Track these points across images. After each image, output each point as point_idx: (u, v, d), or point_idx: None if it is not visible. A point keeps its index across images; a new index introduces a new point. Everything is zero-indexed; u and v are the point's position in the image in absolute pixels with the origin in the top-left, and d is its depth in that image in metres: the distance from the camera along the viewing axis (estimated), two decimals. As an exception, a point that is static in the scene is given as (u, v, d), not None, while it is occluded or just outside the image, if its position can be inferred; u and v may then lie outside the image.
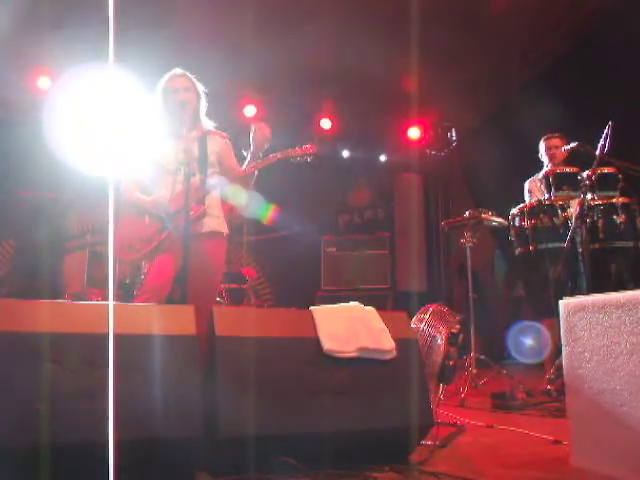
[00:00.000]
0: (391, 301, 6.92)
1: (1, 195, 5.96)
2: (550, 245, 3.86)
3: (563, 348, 2.25)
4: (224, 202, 3.23)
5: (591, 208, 3.65)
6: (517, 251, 4.10)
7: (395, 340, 2.27)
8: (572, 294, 3.30)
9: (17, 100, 6.11)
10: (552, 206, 3.90)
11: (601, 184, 3.70)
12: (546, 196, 3.91)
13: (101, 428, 1.62)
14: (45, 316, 1.87)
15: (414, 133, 7.60)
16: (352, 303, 2.43)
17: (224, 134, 3.25)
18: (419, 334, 2.95)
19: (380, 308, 2.44)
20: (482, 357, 4.29)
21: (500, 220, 4.45)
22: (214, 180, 3.08)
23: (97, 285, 5.63)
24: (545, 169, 4.52)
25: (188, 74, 3.17)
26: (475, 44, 5.57)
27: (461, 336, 2.97)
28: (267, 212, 6.31)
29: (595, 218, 3.66)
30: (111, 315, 1.85)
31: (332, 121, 7.33)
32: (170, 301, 2.90)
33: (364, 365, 2.19)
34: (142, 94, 3.22)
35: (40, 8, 4.78)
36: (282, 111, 6.83)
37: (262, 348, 2.08)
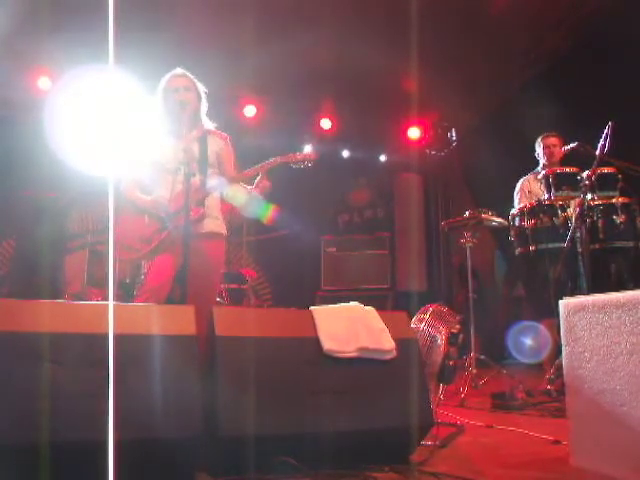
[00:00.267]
0: (391, 301, 6.92)
1: (2, 195, 5.96)
2: (550, 245, 3.86)
3: (563, 348, 2.25)
4: (224, 202, 3.23)
5: (591, 208, 3.65)
6: (517, 251, 4.11)
7: (395, 340, 2.28)
8: (572, 294, 3.30)
9: (18, 100, 6.11)
10: (552, 206, 3.90)
11: (601, 184, 3.70)
12: (546, 196, 3.91)
13: (101, 428, 1.62)
14: (45, 316, 1.87)
15: (414, 133, 7.59)
16: (352, 303, 2.43)
17: (224, 134, 3.25)
18: (419, 334, 2.96)
19: (380, 308, 2.44)
20: (482, 357, 4.29)
21: (500, 220, 4.45)
22: (214, 181, 3.07)
23: (97, 285, 5.63)
24: (540, 168, 4.53)
25: (188, 74, 3.16)
26: (475, 44, 5.57)
27: (461, 336, 2.97)
28: (267, 212, 6.29)
29: (595, 218, 3.66)
30: (111, 315, 1.85)
31: (332, 121, 7.33)
32: (170, 301, 2.89)
33: (364, 365, 2.20)
34: (142, 94, 3.23)
35: (41, 9, 4.78)
36: (282, 111, 6.84)
37: (262, 348, 2.08)
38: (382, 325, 2.31)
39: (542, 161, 4.56)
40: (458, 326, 3.02)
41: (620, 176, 3.73)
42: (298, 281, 7.04)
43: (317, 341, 2.17)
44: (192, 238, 2.77)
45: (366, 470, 1.98)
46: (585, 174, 3.65)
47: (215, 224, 3.10)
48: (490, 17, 5.36)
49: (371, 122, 7.13)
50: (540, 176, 4.12)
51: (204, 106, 3.19)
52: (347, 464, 1.98)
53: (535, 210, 3.95)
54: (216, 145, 3.17)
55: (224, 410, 1.93)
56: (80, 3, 4.67)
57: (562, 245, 3.62)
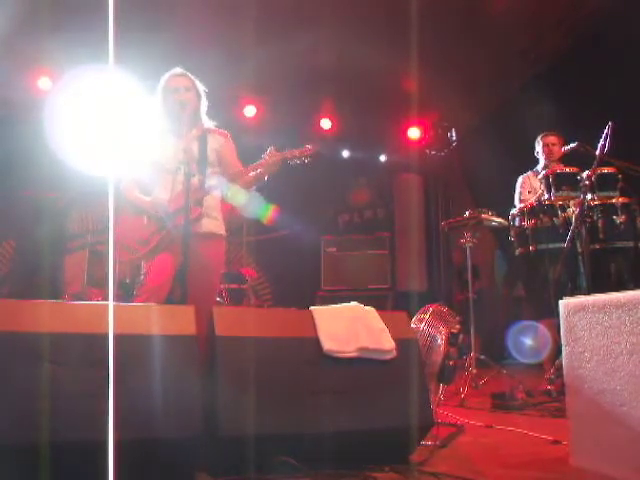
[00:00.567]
0: (391, 301, 6.92)
1: (2, 195, 5.96)
2: (550, 245, 3.86)
3: (563, 348, 2.25)
4: (224, 202, 3.23)
5: (591, 208, 3.65)
6: (517, 251, 4.11)
7: (395, 340, 2.27)
8: (572, 294, 3.30)
9: (18, 100, 6.11)
10: (552, 206, 3.90)
11: (601, 184, 3.70)
12: (546, 196, 3.91)
13: (101, 428, 1.62)
14: (45, 316, 1.87)
15: (414, 133, 7.60)
16: (352, 303, 2.43)
17: (225, 132, 3.24)
18: (419, 334, 2.95)
19: (380, 308, 2.44)
20: (482, 357, 4.29)
21: (500, 220, 4.45)
22: (214, 181, 3.07)
23: (97, 285, 5.64)
24: (540, 167, 4.53)
25: (188, 73, 3.16)
26: (475, 44, 5.57)
27: (461, 336, 2.97)
28: (267, 212, 6.31)
29: (595, 218, 3.66)
30: (111, 315, 1.85)
31: (332, 121, 7.34)
32: (170, 301, 2.89)
33: (364, 365, 2.19)
34: (142, 94, 3.23)
35: (41, 9, 4.78)
36: (282, 111, 6.83)
37: (262, 348, 2.08)
38: (382, 325, 2.31)
39: (542, 159, 4.56)
40: (458, 326, 3.02)
41: (620, 176, 3.74)
42: (298, 281, 7.04)
43: (317, 341, 2.17)
44: (191, 238, 2.77)
45: (366, 470, 1.98)
46: (585, 174, 3.65)
47: (214, 224, 3.10)
48: (490, 17, 5.36)
49: (371, 122, 7.13)
50: (540, 176, 4.12)
51: (204, 105, 3.19)
52: (347, 464, 1.98)
53: (535, 210, 3.95)
54: (216, 143, 3.17)
55: (224, 410, 1.93)
56: (80, 3, 4.67)
57: (562, 245, 3.62)
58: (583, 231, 3.52)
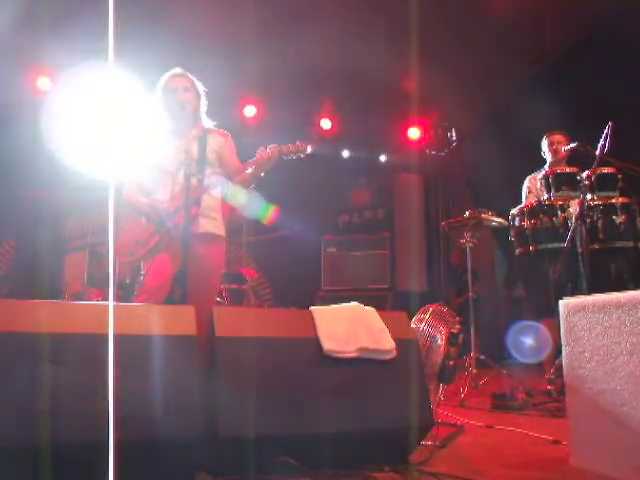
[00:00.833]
0: (391, 301, 6.92)
1: (1, 195, 5.96)
2: (550, 245, 3.86)
3: (563, 348, 2.25)
4: (224, 203, 3.23)
5: (591, 208, 3.64)
6: (517, 251, 4.10)
7: (395, 340, 2.27)
8: (572, 294, 3.30)
9: (17, 100, 6.11)
10: (552, 206, 3.89)
11: (601, 184, 3.70)
12: (546, 196, 3.91)
13: (101, 428, 1.62)
14: (45, 316, 1.87)
15: (414, 133, 7.60)
16: (352, 303, 2.43)
17: (225, 132, 3.24)
18: (419, 334, 2.95)
19: (380, 308, 2.44)
20: (482, 357, 4.29)
21: (500, 220, 4.45)
22: (213, 180, 3.07)
23: (97, 285, 5.64)
24: (547, 166, 4.53)
25: (188, 74, 3.16)
26: (475, 44, 5.57)
27: (461, 336, 2.97)
28: (267, 212, 6.32)
29: (595, 218, 3.66)
30: (111, 315, 1.85)
31: (332, 121, 7.34)
32: (170, 301, 2.89)
33: (364, 365, 2.19)
34: (142, 94, 3.22)
35: (39, 8, 4.78)
36: (282, 111, 6.83)
37: (262, 348, 2.08)
38: (382, 325, 2.31)
39: (548, 159, 4.55)
40: (458, 326, 3.02)
41: (620, 176, 3.73)
42: (298, 281, 7.04)
43: (317, 341, 2.17)
44: (191, 238, 2.77)
45: (366, 470, 1.98)
46: (585, 174, 3.65)
47: (212, 225, 3.09)
48: (490, 17, 5.36)
49: (371, 122, 7.14)
50: (540, 176, 4.12)
51: (204, 105, 3.19)
52: (347, 464, 1.98)
53: (535, 210, 3.95)
54: (216, 143, 3.16)
55: (224, 410, 1.93)
56: (80, 3, 4.67)
57: (562, 245, 3.62)
58: (583, 231, 3.52)
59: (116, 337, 1.76)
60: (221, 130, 3.24)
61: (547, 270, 3.98)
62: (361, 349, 2.20)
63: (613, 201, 3.69)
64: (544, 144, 4.59)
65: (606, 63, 4.85)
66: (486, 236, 5.99)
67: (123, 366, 1.79)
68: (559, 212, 3.86)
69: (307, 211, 7.05)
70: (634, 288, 2.12)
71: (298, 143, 3.01)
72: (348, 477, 1.94)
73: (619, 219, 3.64)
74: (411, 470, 2.06)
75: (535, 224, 3.91)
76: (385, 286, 7.06)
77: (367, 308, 2.39)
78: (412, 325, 2.95)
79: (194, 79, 3.16)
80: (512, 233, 4.16)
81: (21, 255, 6.37)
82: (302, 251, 6.95)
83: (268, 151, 2.98)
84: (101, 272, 5.72)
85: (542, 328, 4.22)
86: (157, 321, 2.01)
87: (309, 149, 3.01)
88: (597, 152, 3.51)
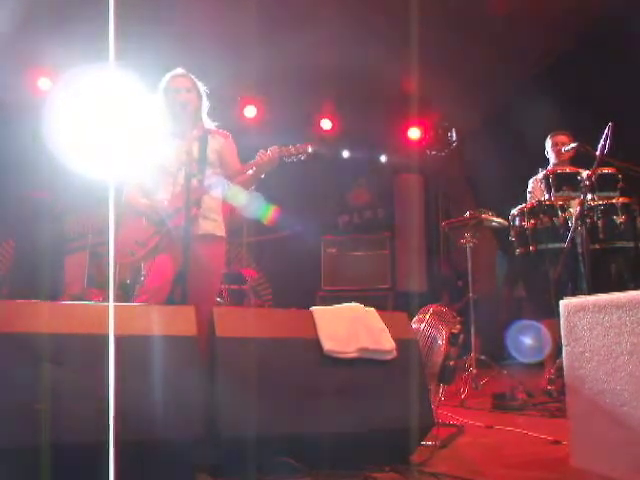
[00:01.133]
0: (391, 301, 6.92)
1: (1, 195, 5.96)
2: (550, 245, 3.86)
3: (563, 348, 2.25)
4: (225, 203, 3.23)
5: (591, 208, 3.64)
6: (517, 251, 4.10)
7: (395, 340, 2.27)
8: (572, 294, 3.30)
9: (17, 100, 6.11)
10: (552, 206, 3.89)
11: (601, 184, 3.70)
12: (546, 196, 3.91)
13: (101, 428, 1.62)
14: (45, 316, 1.87)
15: (414, 133, 7.59)
16: (352, 303, 2.43)
17: (226, 132, 3.24)
18: (419, 334, 2.95)
19: (380, 308, 2.44)
20: (482, 357, 4.29)
21: (500, 220, 4.45)
22: (214, 181, 3.07)
23: (97, 286, 5.64)
24: (550, 166, 4.52)
25: (189, 74, 3.16)
26: (475, 44, 5.57)
27: (461, 336, 2.97)
28: (267, 212, 6.32)
29: (595, 218, 3.66)
30: (111, 316, 1.85)
31: (332, 121, 7.34)
32: (170, 301, 2.89)
33: (364, 365, 2.19)
34: (143, 94, 3.22)
35: (40, 8, 4.78)
36: (282, 111, 6.83)
37: (262, 349, 2.08)
38: (382, 325, 2.31)
39: (552, 159, 4.55)
40: (458, 326, 3.02)
41: (620, 176, 3.73)
42: (298, 281, 7.04)
43: (317, 341, 2.17)
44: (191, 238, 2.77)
45: (366, 470, 1.98)
46: (585, 174, 3.65)
47: (213, 225, 3.09)
48: (490, 17, 5.36)
49: (371, 122, 7.13)
50: (540, 176, 4.12)
51: (205, 106, 3.19)
52: (347, 464, 1.98)
53: (535, 210, 3.94)
54: (217, 144, 3.16)
55: (224, 411, 1.93)
56: (80, 3, 4.67)
57: (562, 245, 3.62)
58: (583, 231, 3.52)
59: (116, 337, 1.76)
60: (222, 130, 3.23)
61: (547, 270, 3.98)
62: (361, 349, 2.20)
63: (613, 201, 3.69)
64: (548, 144, 4.59)
65: (606, 63, 4.84)
66: (486, 236, 5.99)
67: (123, 366, 1.79)
68: (559, 212, 3.86)
69: (307, 211, 7.05)
70: (634, 288, 2.12)
71: (298, 145, 3.01)
72: (348, 477, 1.94)
73: (619, 219, 3.64)
74: (411, 470, 2.06)
75: (535, 224, 3.91)
76: (385, 286, 7.05)
77: (367, 308, 2.39)
78: (412, 325, 2.95)
79: (196, 79, 3.16)
80: (512, 233, 4.16)
81: (21, 256, 6.36)
82: (302, 251, 6.95)
83: (269, 153, 2.97)
84: (101, 273, 5.72)
85: (542, 328, 4.22)
86: (157, 321, 2.01)
87: (309, 149, 3.00)
88: (597, 152, 3.51)
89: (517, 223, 4.08)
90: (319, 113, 7.27)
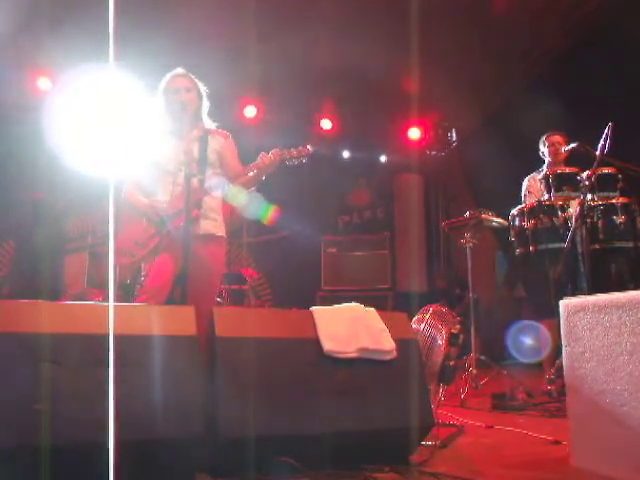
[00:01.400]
0: (391, 301, 6.92)
1: (1, 196, 5.96)
2: (550, 245, 3.86)
3: (563, 348, 2.25)
4: (224, 203, 3.23)
5: (591, 208, 3.65)
6: (517, 251, 4.10)
7: (395, 340, 2.27)
8: (572, 294, 3.30)
9: (17, 100, 6.11)
10: (552, 206, 3.89)
11: (601, 184, 3.70)
12: (546, 196, 3.91)
13: (101, 428, 1.62)
14: (45, 316, 1.87)
15: (414, 133, 7.60)
16: (352, 303, 2.43)
17: (225, 132, 3.24)
18: (419, 334, 2.95)
19: (380, 308, 2.44)
20: (482, 357, 4.29)
21: (500, 220, 4.45)
22: (214, 181, 3.07)
23: (97, 286, 5.63)
24: (545, 166, 4.53)
25: (189, 74, 3.16)
26: (476, 44, 5.57)
27: (461, 336, 2.97)
28: (267, 213, 6.32)
29: (595, 218, 3.66)
30: (111, 315, 1.85)
31: (332, 121, 7.34)
32: (170, 302, 2.89)
33: (364, 365, 2.19)
34: (142, 94, 3.22)
35: (40, 8, 4.78)
36: (282, 111, 6.84)
37: (262, 349, 2.08)
38: (382, 325, 2.31)
39: (547, 160, 4.55)
40: (458, 326, 3.02)
41: (620, 176, 3.73)
42: (298, 281, 7.04)
43: (317, 342, 2.17)
44: (191, 239, 2.77)
45: (366, 470, 1.98)
46: (585, 174, 3.65)
47: (213, 225, 3.09)
48: (491, 17, 5.36)
49: (371, 122, 7.14)
50: (540, 176, 4.12)
51: (205, 106, 3.19)
52: (347, 464, 1.98)
53: (535, 210, 3.95)
54: (217, 144, 3.16)
55: (224, 411, 1.93)
56: (80, 3, 4.67)
57: (562, 245, 3.62)
58: (583, 231, 3.52)
59: (116, 337, 1.76)
60: (222, 131, 3.24)
61: (547, 270, 3.98)
62: (361, 349, 2.20)
63: (613, 201, 3.69)
64: (543, 145, 4.59)
65: (606, 63, 4.84)
66: (486, 236, 5.99)
67: (123, 367, 1.79)
68: (559, 212, 3.86)
69: (307, 211, 7.06)
70: (634, 288, 2.12)
71: (300, 148, 3.00)
72: (348, 477, 1.94)
73: (619, 219, 3.64)
74: (411, 470, 2.06)
75: (535, 224, 3.91)
76: (385, 286, 7.06)
77: (367, 308, 2.39)
78: (412, 325, 2.95)
79: (196, 79, 3.16)
80: (512, 233, 4.16)
81: (21, 256, 6.36)
82: (302, 251, 6.95)
83: (270, 156, 2.97)
84: (101, 273, 5.72)
85: (542, 328, 4.22)
86: (157, 321, 2.01)
87: (310, 152, 3.00)
88: (597, 152, 3.51)
89: (517, 223, 4.09)
90: (319, 113, 7.27)
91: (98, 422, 1.66)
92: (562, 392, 3.18)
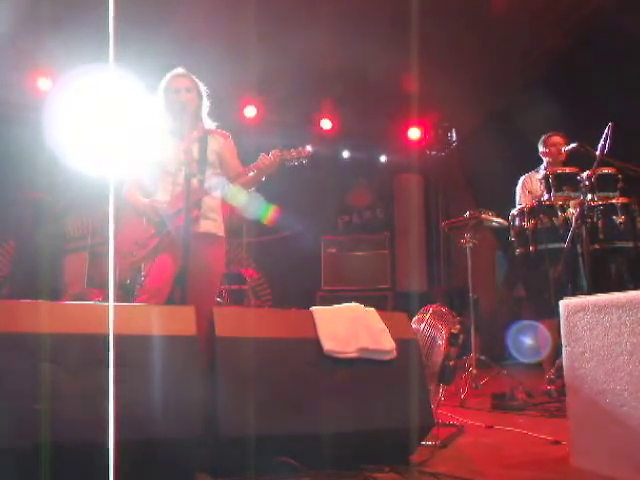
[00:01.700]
0: (391, 301, 6.92)
1: (1, 196, 5.96)
2: (550, 245, 3.86)
3: (563, 348, 2.25)
4: (224, 203, 3.23)
5: (591, 208, 3.65)
6: (517, 251, 4.10)
7: (395, 340, 2.27)
8: (572, 294, 3.30)
9: (17, 100, 6.11)
10: (552, 206, 3.89)
11: (601, 185, 3.70)
12: (546, 196, 3.91)
13: (101, 428, 1.62)
14: (45, 316, 1.87)
15: (414, 134, 7.60)
16: (352, 303, 2.43)
17: (225, 132, 3.24)
18: (419, 334, 2.95)
19: (380, 308, 2.44)
20: (482, 357, 4.29)
21: (500, 220, 4.45)
22: (214, 181, 3.07)
23: (97, 286, 5.63)
24: (543, 168, 4.53)
25: (190, 74, 3.16)
26: (476, 44, 5.57)
27: (461, 336, 2.97)
28: (267, 213, 6.32)
29: (595, 218, 3.66)
30: (111, 315, 1.85)
31: (332, 121, 7.34)
32: (170, 301, 2.89)
33: (364, 365, 2.19)
34: (142, 94, 3.22)
35: (40, 8, 4.78)
36: (282, 111, 6.84)
37: (262, 349, 2.08)
38: (382, 325, 2.31)
39: (546, 160, 4.55)
40: (458, 326, 3.02)
41: (620, 176, 3.73)
42: (298, 281, 7.04)
43: (317, 342, 2.16)
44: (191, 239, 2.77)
45: (366, 470, 1.98)
46: (585, 174, 3.65)
47: (213, 225, 3.09)
48: (491, 17, 5.36)
49: (371, 122, 7.13)
50: (540, 176, 4.12)
51: (205, 106, 3.19)
52: (347, 464, 1.98)
53: (535, 210, 3.95)
54: (216, 144, 3.16)
55: (224, 411, 1.93)
56: (80, 3, 4.67)
57: (562, 245, 3.62)
58: (583, 231, 3.52)
59: (116, 337, 1.76)
60: (222, 131, 3.24)
61: (547, 270, 3.98)
62: (361, 349, 2.20)
63: (613, 201, 3.70)
64: (542, 146, 4.59)
65: (606, 63, 4.84)
66: (486, 236, 5.99)
67: (123, 366, 1.79)
68: (559, 212, 3.86)
69: (307, 211, 7.05)
70: (634, 288, 2.12)
71: (300, 148, 3.00)
72: (348, 477, 1.94)
73: (619, 219, 3.65)
74: (411, 470, 2.06)
75: (535, 224, 3.91)
76: (385, 286, 7.06)
77: (367, 308, 2.39)
78: (412, 325, 2.95)
79: (196, 79, 3.16)
80: (512, 233, 4.16)
81: (21, 256, 6.36)
82: (302, 251, 6.95)
83: (270, 156, 2.97)
84: (101, 273, 5.72)
85: (542, 328, 4.22)
86: (157, 321, 2.01)
87: (309, 150, 3.00)
88: (597, 152, 3.51)
89: (517, 223, 4.09)
90: (319, 113, 7.27)
91: (98, 422, 1.66)
92: (562, 392, 3.17)
